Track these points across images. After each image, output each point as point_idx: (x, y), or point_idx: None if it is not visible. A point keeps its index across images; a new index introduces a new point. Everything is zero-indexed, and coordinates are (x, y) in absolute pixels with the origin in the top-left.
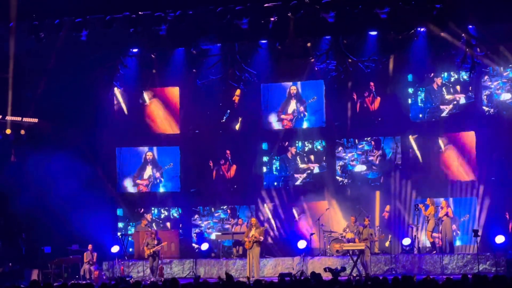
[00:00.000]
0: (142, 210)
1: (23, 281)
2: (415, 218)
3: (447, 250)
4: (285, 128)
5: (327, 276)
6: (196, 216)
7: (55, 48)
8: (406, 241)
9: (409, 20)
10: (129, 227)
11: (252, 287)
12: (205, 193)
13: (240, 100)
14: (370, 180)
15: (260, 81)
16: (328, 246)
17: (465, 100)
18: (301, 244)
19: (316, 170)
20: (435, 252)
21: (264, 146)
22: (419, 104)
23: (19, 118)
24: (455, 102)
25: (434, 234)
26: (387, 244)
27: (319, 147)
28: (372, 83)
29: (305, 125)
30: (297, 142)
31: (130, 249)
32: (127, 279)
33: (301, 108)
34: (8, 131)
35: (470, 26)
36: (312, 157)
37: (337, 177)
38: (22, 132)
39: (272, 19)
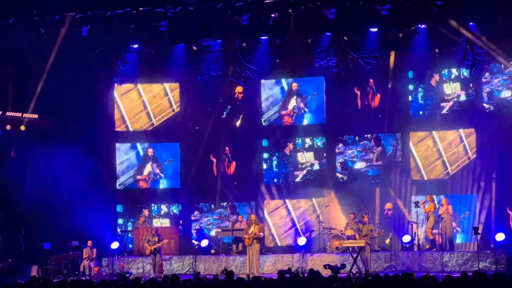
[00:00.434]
0: (141, 206)
1: (22, 277)
2: (415, 215)
3: (447, 248)
4: (285, 125)
5: (326, 273)
6: (196, 212)
7: (55, 44)
8: (406, 238)
9: (409, 17)
10: (129, 223)
11: (252, 284)
12: (205, 189)
13: (242, 96)
14: (370, 177)
15: (260, 78)
16: (328, 243)
17: (465, 97)
18: (301, 241)
19: (316, 166)
20: (435, 249)
21: (264, 143)
22: (420, 101)
23: (19, 114)
24: (455, 99)
25: (434, 231)
26: (387, 241)
27: (319, 143)
28: (372, 80)
29: (305, 121)
30: (297, 138)
31: (130, 246)
32: (127, 275)
33: (302, 105)
34: (8, 127)
35: (471, 23)
36: (312, 153)
37: (337, 174)
38: (22, 128)
39: (272, 15)
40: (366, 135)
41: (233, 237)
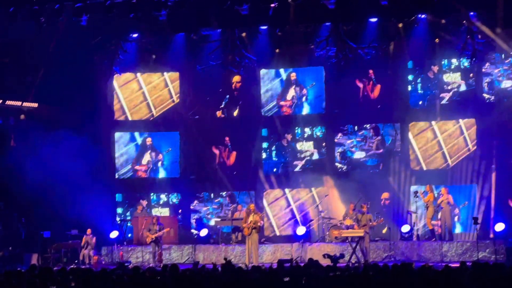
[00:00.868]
0: (140, 196)
1: (22, 265)
2: (414, 205)
3: (446, 238)
4: (284, 115)
5: (326, 262)
6: (196, 202)
7: (55, 33)
8: (405, 228)
9: (409, 7)
10: (128, 212)
11: (252, 272)
12: (205, 179)
13: (240, 86)
14: (369, 166)
15: (260, 67)
16: (327, 233)
17: (465, 87)
18: (300, 231)
19: (315, 156)
20: (434, 239)
21: (264, 132)
22: (419, 91)
23: (19, 103)
24: (455, 89)
25: (433, 222)
26: (384, 231)
27: (318, 133)
28: (372, 70)
29: (304, 111)
30: (296, 128)
31: (129, 235)
32: (126, 264)
33: (301, 94)
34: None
35: (471, 13)
36: (311, 143)
37: (336, 164)
38: (22, 116)
39: (272, 5)
40: (365, 125)
41: (232, 227)
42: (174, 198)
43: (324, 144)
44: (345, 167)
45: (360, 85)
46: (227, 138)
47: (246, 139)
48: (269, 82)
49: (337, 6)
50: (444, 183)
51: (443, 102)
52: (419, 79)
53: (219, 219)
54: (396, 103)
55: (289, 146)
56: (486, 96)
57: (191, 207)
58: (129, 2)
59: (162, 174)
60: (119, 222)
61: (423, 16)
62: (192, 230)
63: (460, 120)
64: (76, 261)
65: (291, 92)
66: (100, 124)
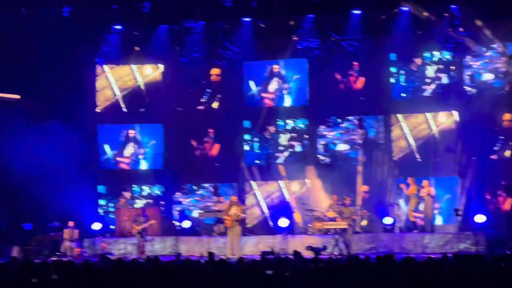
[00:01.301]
0: (123, 187)
1: (3, 258)
2: (397, 197)
3: (428, 229)
4: (266, 106)
5: (308, 254)
6: (178, 193)
7: (37, 25)
8: (388, 220)
9: None
10: (111, 204)
11: (235, 265)
12: (188, 171)
13: (221, 78)
14: (352, 159)
15: (242, 59)
16: (310, 225)
17: (447, 80)
18: (283, 223)
19: (298, 148)
20: (416, 231)
21: (246, 124)
22: (402, 83)
23: (1, 95)
24: (438, 82)
25: (416, 214)
26: (363, 223)
27: (301, 125)
28: (355, 63)
29: (287, 103)
30: (278, 120)
31: (112, 227)
32: (109, 256)
33: (283, 86)
34: None
35: (453, 6)
36: (294, 135)
37: (319, 156)
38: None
39: None
40: (348, 117)
41: (215, 218)
42: (157, 190)
43: (307, 136)
44: (328, 159)
45: (339, 77)
46: (211, 130)
47: (229, 131)
48: (252, 74)
49: None
50: (426, 175)
51: (426, 94)
52: (404, 70)
53: (202, 211)
54: (379, 95)
55: (272, 138)
56: (467, 88)
57: (174, 199)
58: None
59: (144, 166)
60: (101, 213)
61: (406, 8)
62: (175, 222)
63: (442, 113)
64: (57, 254)
65: (274, 84)
66: (83, 116)
